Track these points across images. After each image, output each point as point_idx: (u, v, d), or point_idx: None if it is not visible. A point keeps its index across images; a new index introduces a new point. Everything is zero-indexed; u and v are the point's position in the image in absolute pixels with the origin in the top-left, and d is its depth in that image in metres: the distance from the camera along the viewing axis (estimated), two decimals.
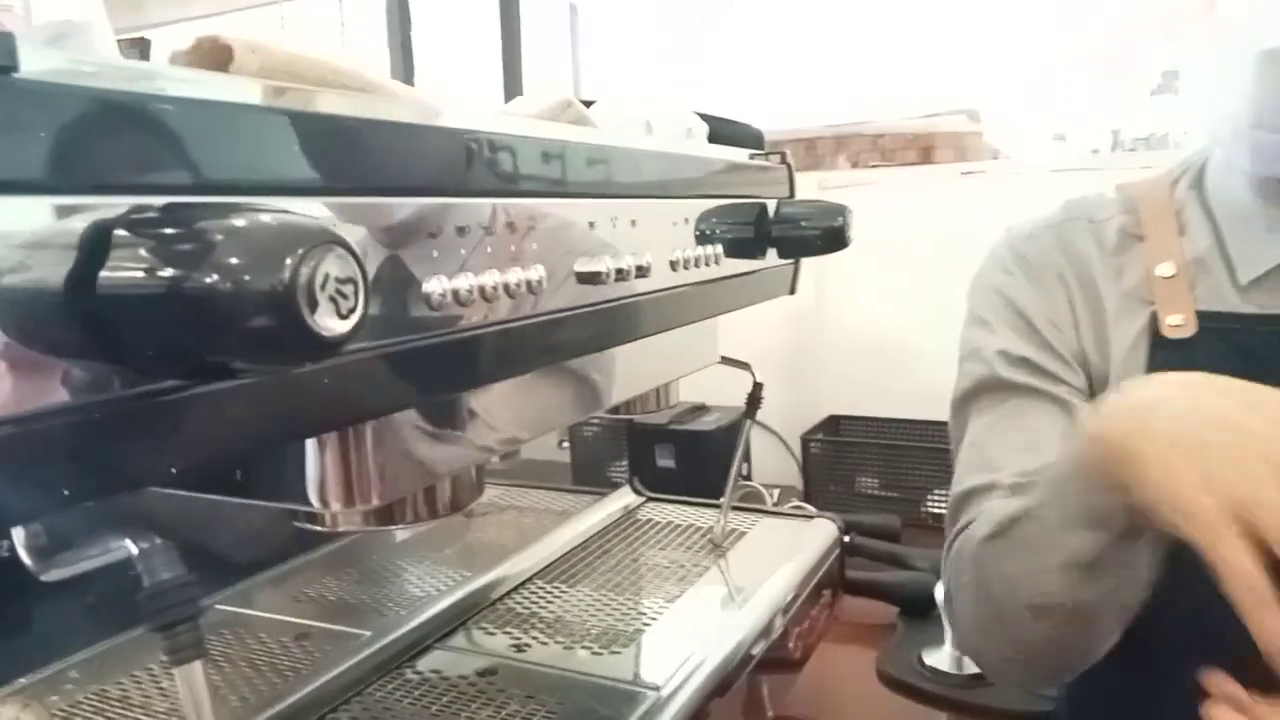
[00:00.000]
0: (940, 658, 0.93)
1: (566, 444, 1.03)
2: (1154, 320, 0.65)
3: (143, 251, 0.26)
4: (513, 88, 1.57)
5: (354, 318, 0.27)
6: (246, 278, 0.25)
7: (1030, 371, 0.67)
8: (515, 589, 0.78)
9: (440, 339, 0.40)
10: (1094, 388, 0.68)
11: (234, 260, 0.25)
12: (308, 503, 0.40)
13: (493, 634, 0.71)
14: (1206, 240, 0.67)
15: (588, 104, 0.68)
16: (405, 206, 0.39)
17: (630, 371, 0.68)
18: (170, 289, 0.26)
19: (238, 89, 0.32)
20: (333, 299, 0.26)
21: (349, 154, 0.36)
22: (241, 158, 0.32)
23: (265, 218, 0.26)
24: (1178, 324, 0.64)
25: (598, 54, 3.87)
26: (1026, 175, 1.35)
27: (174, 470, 0.32)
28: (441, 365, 0.42)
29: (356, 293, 0.27)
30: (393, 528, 0.46)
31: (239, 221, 0.26)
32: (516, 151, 0.45)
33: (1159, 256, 0.67)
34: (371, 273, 0.36)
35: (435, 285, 0.39)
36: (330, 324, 0.26)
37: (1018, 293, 0.70)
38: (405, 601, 0.75)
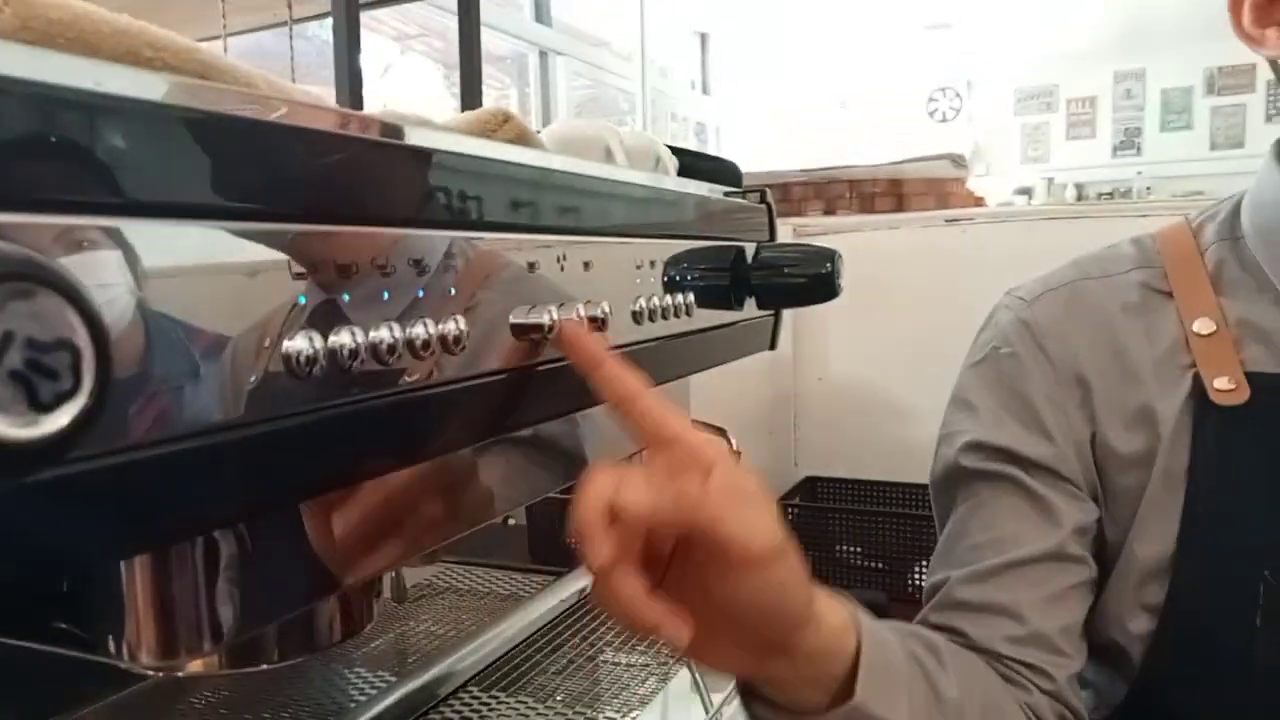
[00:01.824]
0: None
1: (513, 520, 0.91)
2: (1198, 384, 0.57)
3: None
4: None
5: (71, 407, 0.16)
6: None
7: (1004, 460, 0.61)
8: (445, 699, 0.65)
9: (308, 418, 0.29)
10: (1117, 470, 0.60)
11: None
12: (115, 654, 0.28)
13: None
14: (1256, 296, 0.59)
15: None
16: (263, 235, 0.28)
17: (585, 443, 0.57)
18: None
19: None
20: (23, 378, 0.15)
21: (187, 162, 0.25)
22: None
23: None
24: (1227, 388, 0.56)
25: (566, 98, 3.83)
26: (1020, 221, 1.27)
27: None
28: (316, 454, 0.30)
29: (77, 367, 0.16)
30: (256, 669, 0.34)
31: None
32: (427, 168, 0.34)
33: (1194, 312, 0.59)
34: (202, 326, 0.25)
35: (301, 344, 0.28)
36: (7, 423, 0.14)
37: (1018, 367, 0.63)
38: (315, 715, 0.62)
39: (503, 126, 0.42)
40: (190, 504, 0.25)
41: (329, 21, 1.57)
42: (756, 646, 0.41)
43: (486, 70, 2.06)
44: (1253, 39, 0.57)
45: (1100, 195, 6.14)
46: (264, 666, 0.34)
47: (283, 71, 1.65)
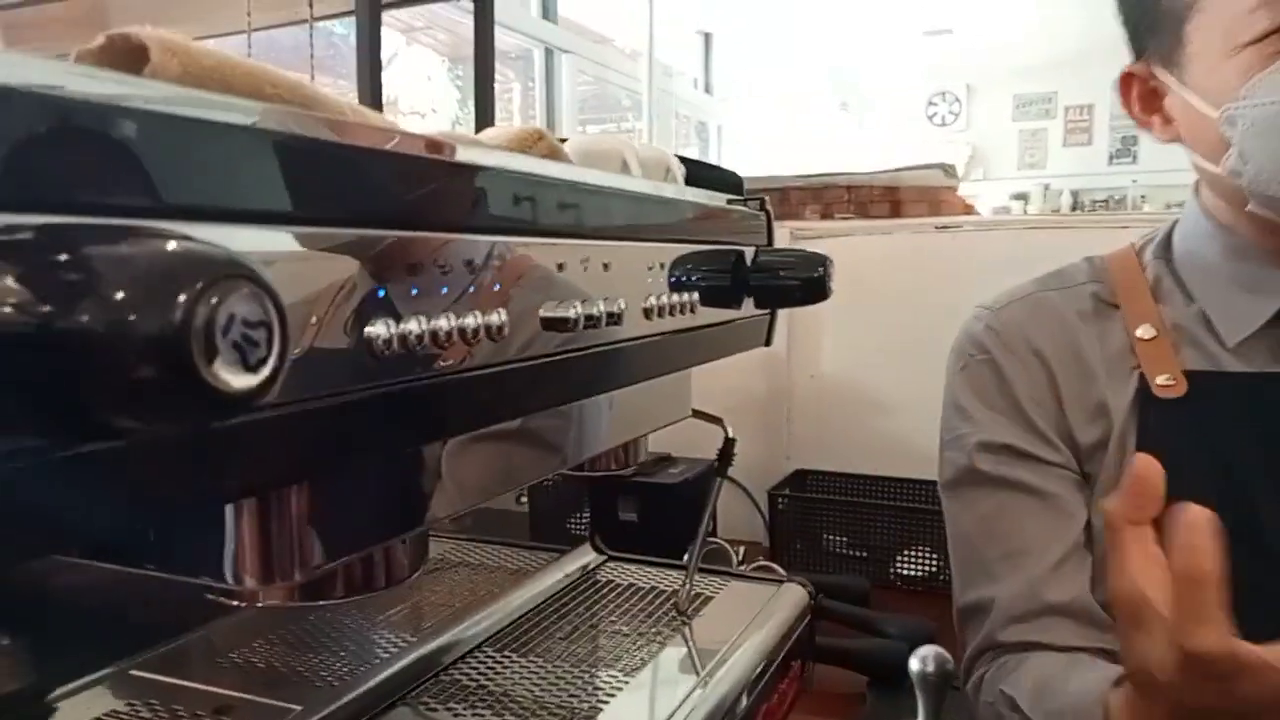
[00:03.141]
0: None
1: (525, 499, 0.97)
2: (1143, 382, 0.64)
3: (6, 281, 0.21)
4: (485, 125, 1.54)
5: (265, 369, 0.22)
6: (129, 317, 0.20)
7: (1011, 458, 0.67)
8: (462, 658, 0.72)
9: (385, 390, 0.35)
10: (1082, 459, 0.67)
11: (114, 295, 0.20)
12: (221, 578, 0.34)
13: (435, 710, 0.65)
14: (1185, 308, 0.67)
15: (560, 142, 0.64)
16: (354, 240, 0.34)
17: (597, 426, 0.63)
18: (35, 329, 0.21)
19: (159, 93, 0.27)
20: (238, 346, 0.21)
21: (298, 178, 0.31)
22: (176, 176, 0.27)
23: (158, 245, 0.21)
24: (1168, 383, 0.63)
25: (570, 95, 3.88)
26: (1005, 230, 1.33)
27: (50, 544, 0.26)
28: (385, 420, 0.36)
29: (270, 340, 0.22)
30: (322, 603, 0.40)
31: (125, 249, 0.21)
32: (480, 183, 0.40)
33: (1138, 320, 0.67)
34: (305, 312, 0.31)
35: (380, 329, 0.34)
36: (232, 377, 0.21)
37: (996, 371, 0.70)
38: (340, 671, 0.68)
39: (537, 143, 0.48)
40: (297, 453, 0.31)
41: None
42: None
43: None
44: (1141, 123, 0.66)
45: (1095, 203, 6.22)
46: (331, 601, 0.40)
47: (301, 66, 1.71)
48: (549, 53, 3.71)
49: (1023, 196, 6.22)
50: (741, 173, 0.82)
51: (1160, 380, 0.63)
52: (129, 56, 0.28)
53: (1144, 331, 0.65)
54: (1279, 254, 0.63)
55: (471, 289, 0.40)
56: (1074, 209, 6.16)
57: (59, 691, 0.59)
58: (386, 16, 1.62)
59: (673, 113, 4.82)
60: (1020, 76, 6.08)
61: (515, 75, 3.98)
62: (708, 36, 5.42)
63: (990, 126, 6.41)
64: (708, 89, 5.45)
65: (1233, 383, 0.62)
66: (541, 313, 0.46)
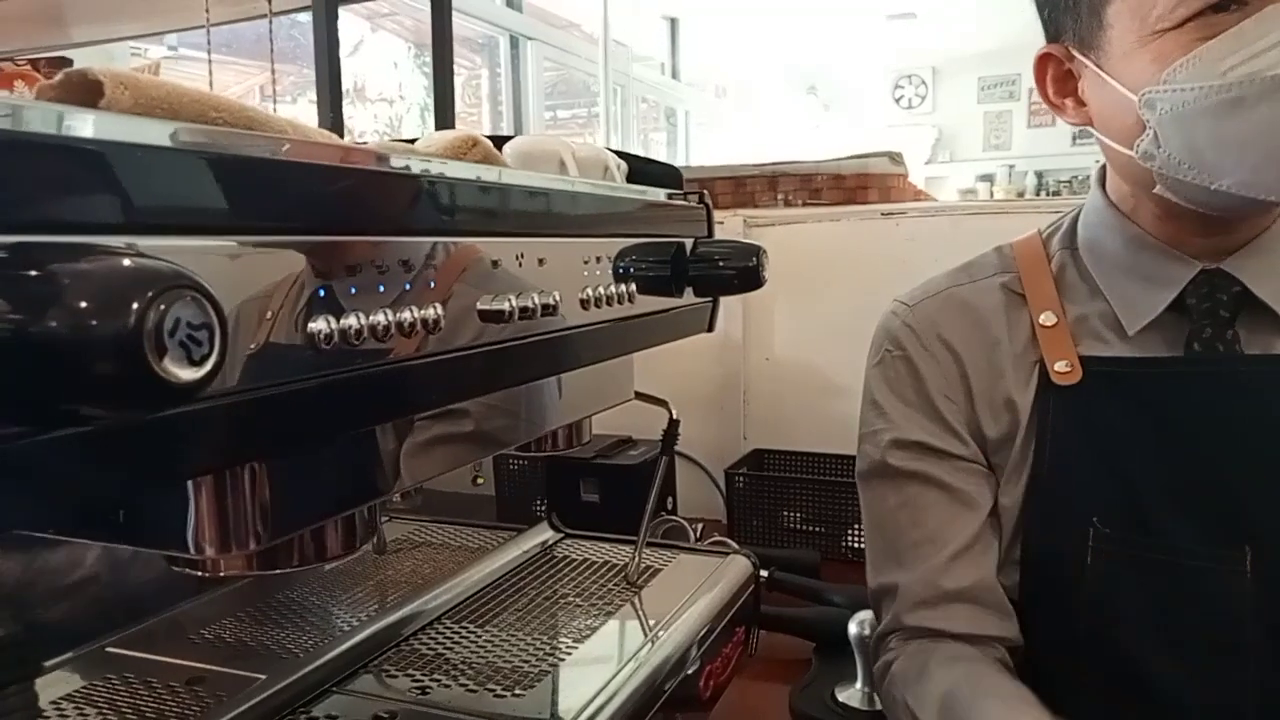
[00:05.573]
0: (852, 694, 0.94)
1: (481, 480, 1.02)
2: (1043, 369, 0.68)
3: None
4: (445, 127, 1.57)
5: (207, 365, 0.26)
6: (91, 322, 0.24)
7: (921, 454, 0.70)
8: (422, 629, 0.76)
9: (329, 379, 0.39)
10: (989, 451, 0.71)
11: (78, 304, 0.24)
12: (184, 548, 0.39)
13: (395, 676, 0.69)
14: (1089, 302, 0.70)
15: (502, 141, 0.68)
16: (293, 245, 0.38)
17: (541, 409, 0.67)
18: (10, 333, 0.25)
19: (119, 126, 0.31)
20: (184, 345, 0.25)
21: (238, 193, 0.35)
22: (126, 197, 0.31)
23: (114, 261, 0.25)
24: (1065, 370, 0.66)
25: (536, 80, 3.89)
26: (946, 216, 1.38)
27: (30, 519, 0.30)
28: (331, 406, 0.41)
29: (211, 339, 0.26)
30: (278, 572, 0.45)
31: (86, 264, 0.25)
32: (412, 190, 0.44)
33: (1040, 307, 0.70)
34: (253, 312, 0.35)
35: (322, 325, 0.38)
36: (179, 371, 0.25)
37: (911, 367, 0.73)
38: (306, 643, 0.72)
39: (472, 150, 0.52)
40: (250, 436, 0.35)
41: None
42: None
43: (458, 52, 2.13)
44: (1056, 107, 0.69)
45: (1060, 183, 6.32)
46: (286, 570, 0.44)
47: (265, 58, 1.73)
48: (514, 40, 3.72)
49: (988, 178, 6.30)
50: (707, 159, 0.87)
51: (1058, 367, 0.66)
52: (85, 91, 0.32)
53: (1045, 319, 0.68)
54: (1176, 244, 0.66)
55: (408, 286, 0.44)
56: (1038, 190, 6.25)
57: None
58: (350, 5, 1.63)
59: (639, 99, 4.83)
60: (984, 60, 6.15)
61: (483, 62, 3.99)
62: (674, 22, 5.43)
63: (956, 109, 6.48)
64: (675, 74, 5.47)
65: (1125, 369, 0.66)
66: (478, 306, 0.50)
